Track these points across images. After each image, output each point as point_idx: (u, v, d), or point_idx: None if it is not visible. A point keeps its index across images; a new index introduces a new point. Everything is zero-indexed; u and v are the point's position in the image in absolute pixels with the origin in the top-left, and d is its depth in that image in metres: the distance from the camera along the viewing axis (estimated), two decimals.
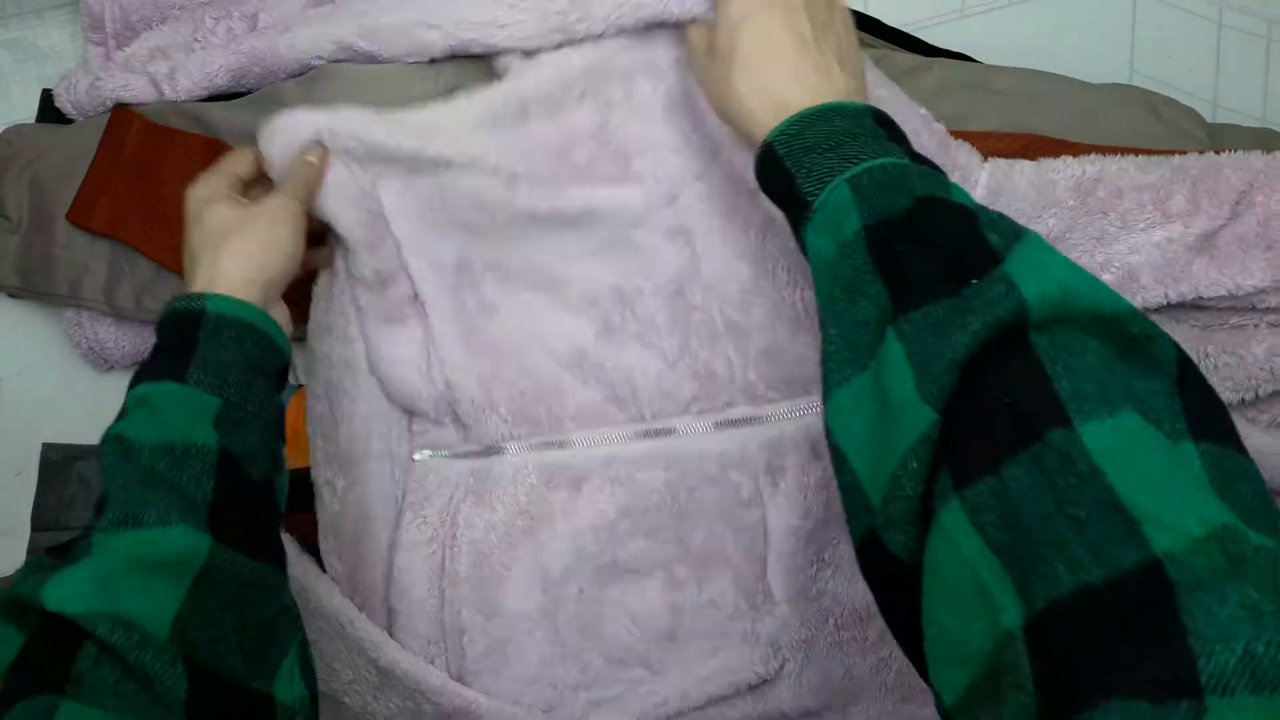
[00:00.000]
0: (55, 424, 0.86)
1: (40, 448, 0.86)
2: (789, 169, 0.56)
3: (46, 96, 0.85)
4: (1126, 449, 0.38)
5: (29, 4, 0.86)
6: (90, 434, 0.87)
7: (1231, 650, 0.32)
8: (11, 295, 0.83)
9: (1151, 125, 0.80)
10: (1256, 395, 0.71)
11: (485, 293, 0.73)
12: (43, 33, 0.88)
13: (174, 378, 0.59)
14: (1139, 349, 0.41)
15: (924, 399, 0.43)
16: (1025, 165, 0.74)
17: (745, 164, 0.70)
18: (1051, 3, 0.89)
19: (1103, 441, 0.37)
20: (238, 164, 0.71)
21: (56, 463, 0.85)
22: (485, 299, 0.73)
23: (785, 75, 0.59)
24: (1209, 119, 0.85)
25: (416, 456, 0.74)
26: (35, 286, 0.81)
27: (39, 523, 0.85)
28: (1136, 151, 0.76)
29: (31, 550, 0.85)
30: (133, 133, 0.79)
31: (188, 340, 0.61)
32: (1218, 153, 0.74)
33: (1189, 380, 0.41)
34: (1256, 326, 0.72)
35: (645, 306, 0.73)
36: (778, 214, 0.66)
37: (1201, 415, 0.40)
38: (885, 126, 0.57)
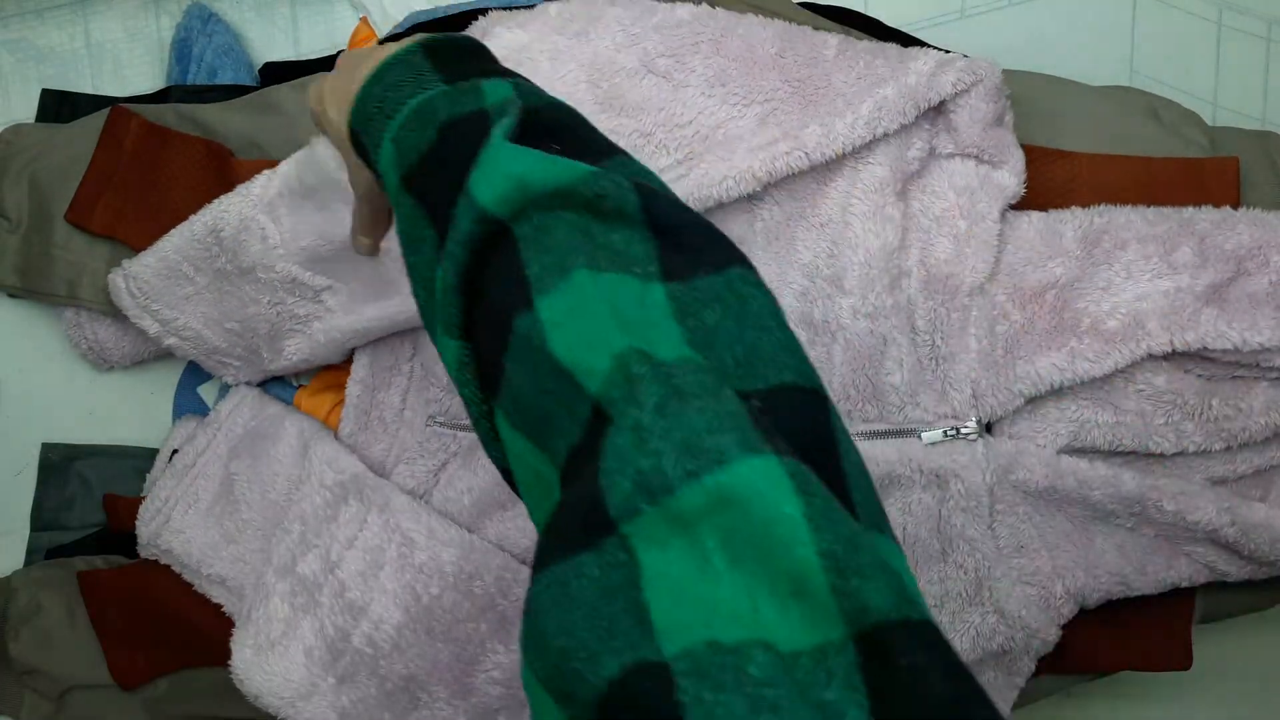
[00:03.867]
0: (55, 424, 0.86)
1: (40, 448, 0.86)
2: None
3: (46, 96, 0.86)
4: (570, 309, 0.39)
5: (29, 4, 0.87)
6: (90, 434, 0.87)
7: (625, 475, 0.33)
8: (11, 295, 0.83)
9: (1152, 129, 0.80)
10: (1250, 440, 0.72)
11: None
12: (43, 33, 0.88)
13: None
14: (602, 208, 0.42)
15: (448, 334, 0.44)
16: (1034, 215, 0.74)
17: (813, 195, 0.72)
18: (1051, 3, 0.89)
19: (553, 310, 0.39)
20: None
21: (56, 463, 0.86)
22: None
23: None
24: (1209, 119, 0.85)
25: (428, 425, 0.77)
26: (35, 286, 0.81)
27: (39, 523, 0.85)
28: (1137, 162, 0.76)
29: (31, 550, 0.85)
30: (131, 133, 0.79)
31: None
32: (1234, 208, 0.74)
33: (659, 220, 0.42)
34: (1258, 380, 0.72)
35: None
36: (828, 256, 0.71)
37: (679, 250, 0.41)
38: None
